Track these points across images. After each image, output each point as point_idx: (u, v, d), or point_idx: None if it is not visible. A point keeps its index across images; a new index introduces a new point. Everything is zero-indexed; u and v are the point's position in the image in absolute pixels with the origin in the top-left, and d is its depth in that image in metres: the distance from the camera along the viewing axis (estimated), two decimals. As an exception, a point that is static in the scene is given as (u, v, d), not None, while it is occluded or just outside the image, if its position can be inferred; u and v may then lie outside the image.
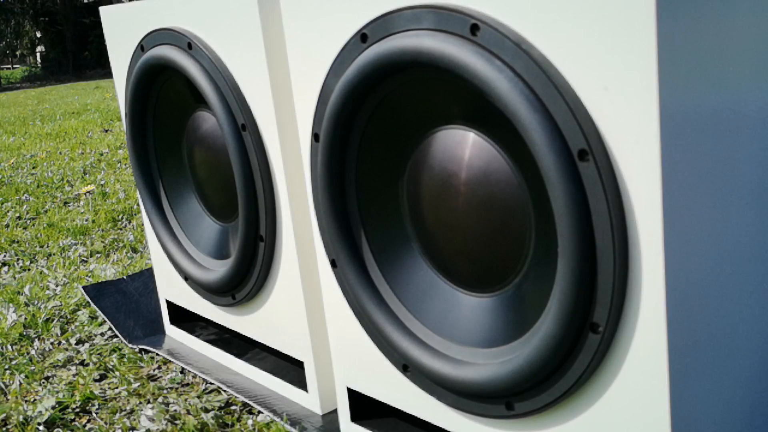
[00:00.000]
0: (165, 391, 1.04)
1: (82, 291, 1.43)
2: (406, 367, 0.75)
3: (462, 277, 0.71)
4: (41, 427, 0.97)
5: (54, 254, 1.80)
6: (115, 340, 1.23)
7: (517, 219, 0.64)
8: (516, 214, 0.64)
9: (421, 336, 0.72)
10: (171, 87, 1.04)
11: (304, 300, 0.89)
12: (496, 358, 0.65)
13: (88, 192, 2.50)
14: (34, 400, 1.05)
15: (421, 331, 0.72)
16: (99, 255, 1.76)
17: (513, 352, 0.64)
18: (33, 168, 3.13)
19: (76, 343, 1.23)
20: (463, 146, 0.67)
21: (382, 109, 0.71)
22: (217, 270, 1.01)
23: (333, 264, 0.79)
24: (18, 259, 1.79)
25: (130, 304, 1.36)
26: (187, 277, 1.09)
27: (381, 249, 0.76)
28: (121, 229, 1.99)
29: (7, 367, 1.16)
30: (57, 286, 1.53)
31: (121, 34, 1.08)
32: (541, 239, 0.63)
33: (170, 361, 1.13)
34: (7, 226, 2.15)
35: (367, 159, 0.74)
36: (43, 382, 1.10)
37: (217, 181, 1.03)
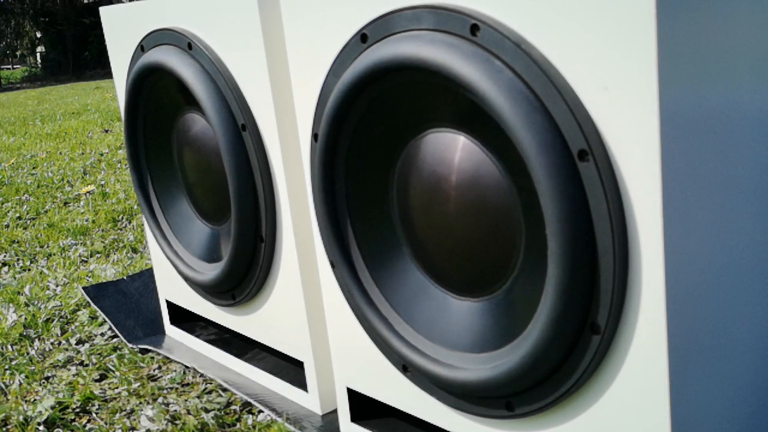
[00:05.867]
0: (165, 391, 1.04)
1: (82, 291, 1.43)
2: (406, 367, 0.75)
3: (452, 281, 0.70)
4: (41, 427, 0.97)
5: (54, 254, 1.80)
6: (115, 340, 1.23)
7: (507, 223, 0.63)
8: (506, 218, 0.63)
9: (411, 340, 0.71)
10: (162, 89, 1.04)
11: (304, 300, 0.89)
12: (486, 363, 0.65)
13: (88, 192, 2.50)
14: (34, 400, 1.05)
15: (412, 336, 0.71)
16: (99, 255, 1.76)
17: (503, 356, 0.63)
18: (33, 168, 3.13)
19: (76, 343, 1.23)
20: (453, 149, 0.67)
21: (372, 110, 0.71)
22: (207, 273, 1.01)
23: (333, 265, 0.79)
24: (18, 259, 1.79)
25: (130, 304, 1.36)
26: (187, 278, 1.09)
27: (371, 252, 0.75)
28: (121, 230, 1.99)
29: (7, 367, 1.16)
30: (57, 286, 1.53)
31: (121, 34, 1.08)
32: (532, 243, 0.62)
33: (171, 360, 1.13)
34: (7, 226, 2.15)
35: (357, 160, 0.74)
36: (43, 382, 1.10)
37: (208, 184, 1.02)
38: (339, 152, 0.74)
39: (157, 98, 1.06)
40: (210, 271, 1.01)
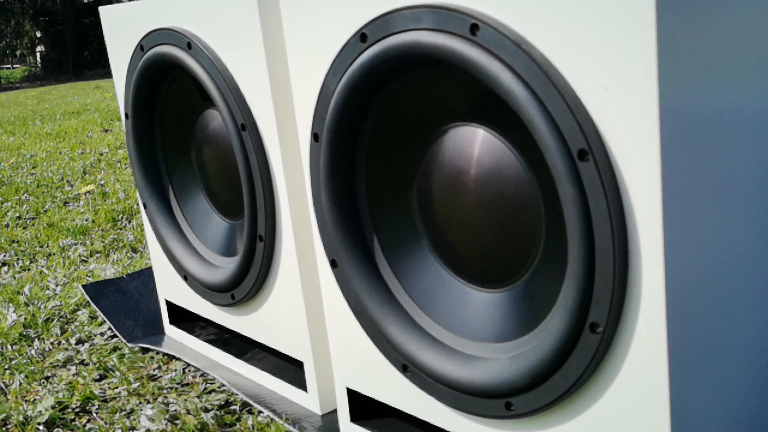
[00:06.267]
0: (165, 391, 1.04)
1: (82, 290, 1.43)
2: (406, 367, 0.75)
3: (471, 273, 0.71)
4: (41, 427, 0.97)
5: (54, 254, 1.80)
6: (114, 339, 1.23)
7: (527, 215, 0.64)
8: (526, 210, 0.64)
9: (430, 331, 0.72)
10: (179, 86, 1.04)
11: (304, 300, 0.89)
12: (506, 352, 0.65)
13: (88, 192, 2.50)
14: (34, 400, 1.05)
15: (431, 327, 0.72)
16: (99, 255, 1.76)
17: (523, 346, 0.64)
18: (33, 168, 3.13)
19: (76, 343, 1.23)
20: (472, 143, 0.67)
21: (390, 109, 0.71)
22: (225, 267, 1.02)
23: (333, 264, 0.79)
24: (18, 259, 1.79)
25: (129, 303, 1.36)
26: (186, 277, 1.09)
27: (390, 246, 0.76)
28: (121, 229, 1.99)
29: (7, 367, 1.16)
30: (57, 286, 1.53)
31: (121, 34, 1.08)
32: (551, 236, 0.63)
33: (171, 359, 1.13)
34: (7, 226, 2.15)
35: (375, 158, 0.74)
36: (43, 382, 1.10)
37: (225, 179, 1.03)
38: (347, 150, 0.74)
39: (173, 94, 1.06)
40: (228, 264, 1.01)
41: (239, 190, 1.01)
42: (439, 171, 0.71)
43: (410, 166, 0.74)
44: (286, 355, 1.05)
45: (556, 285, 0.62)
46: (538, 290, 0.65)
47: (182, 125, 1.08)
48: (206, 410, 0.97)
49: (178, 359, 1.14)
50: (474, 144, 0.67)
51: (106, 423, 0.97)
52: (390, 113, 0.72)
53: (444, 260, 0.73)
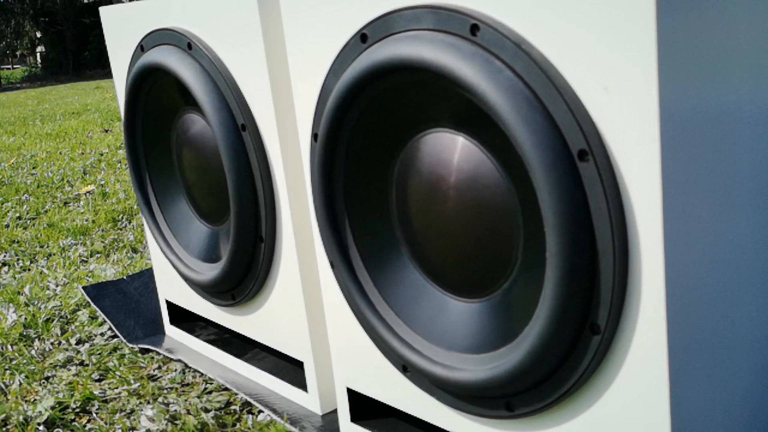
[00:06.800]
0: (165, 391, 1.04)
1: (82, 291, 1.43)
2: (406, 367, 0.75)
3: (450, 282, 0.70)
4: (41, 427, 0.97)
5: (54, 254, 1.80)
6: (115, 340, 1.23)
7: (506, 223, 0.63)
8: (504, 219, 0.63)
9: (409, 341, 0.71)
10: (161, 89, 1.04)
11: (304, 300, 0.89)
12: (484, 364, 0.65)
13: (88, 192, 2.50)
14: (34, 400, 1.05)
15: (410, 337, 0.71)
16: (99, 255, 1.76)
17: (501, 358, 0.63)
18: (33, 168, 3.13)
19: (76, 343, 1.23)
20: (452, 150, 0.67)
21: (371, 110, 0.71)
22: (205, 273, 1.01)
23: (332, 265, 0.79)
24: (18, 259, 1.79)
25: (130, 304, 1.36)
26: (187, 278, 1.09)
27: (370, 252, 0.75)
28: (121, 229, 1.99)
29: (7, 367, 1.16)
30: (57, 286, 1.53)
31: (121, 35, 1.08)
32: (530, 244, 0.62)
33: (171, 359, 1.13)
34: (7, 226, 2.15)
35: (356, 160, 0.74)
36: (43, 382, 1.10)
37: (207, 184, 1.02)
38: (338, 152, 0.74)
39: (156, 98, 1.05)
40: (209, 272, 1.01)
41: (222, 195, 1.00)
42: (418, 178, 0.70)
43: (389, 170, 0.73)
44: (286, 355, 1.05)
45: (536, 293, 0.61)
46: (518, 299, 0.64)
47: (163, 129, 1.08)
48: (206, 410, 0.97)
49: (178, 360, 1.14)
50: (454, 151, 0.66)
51: (106, 423, 0.97)
52: (370, 114, 0.71)
53: (423, 268, 0.73)
